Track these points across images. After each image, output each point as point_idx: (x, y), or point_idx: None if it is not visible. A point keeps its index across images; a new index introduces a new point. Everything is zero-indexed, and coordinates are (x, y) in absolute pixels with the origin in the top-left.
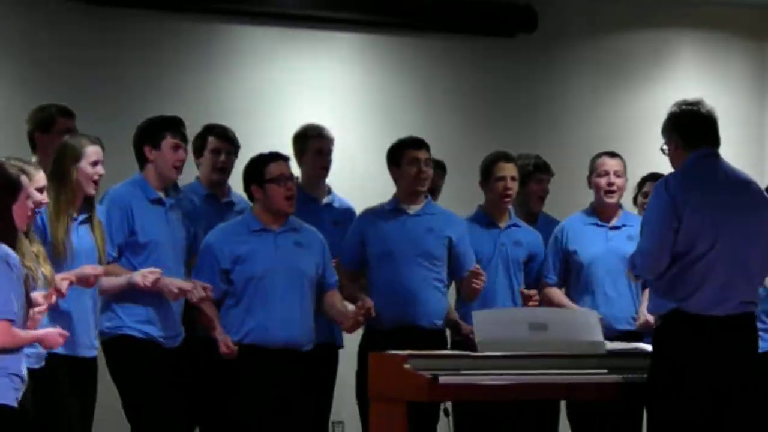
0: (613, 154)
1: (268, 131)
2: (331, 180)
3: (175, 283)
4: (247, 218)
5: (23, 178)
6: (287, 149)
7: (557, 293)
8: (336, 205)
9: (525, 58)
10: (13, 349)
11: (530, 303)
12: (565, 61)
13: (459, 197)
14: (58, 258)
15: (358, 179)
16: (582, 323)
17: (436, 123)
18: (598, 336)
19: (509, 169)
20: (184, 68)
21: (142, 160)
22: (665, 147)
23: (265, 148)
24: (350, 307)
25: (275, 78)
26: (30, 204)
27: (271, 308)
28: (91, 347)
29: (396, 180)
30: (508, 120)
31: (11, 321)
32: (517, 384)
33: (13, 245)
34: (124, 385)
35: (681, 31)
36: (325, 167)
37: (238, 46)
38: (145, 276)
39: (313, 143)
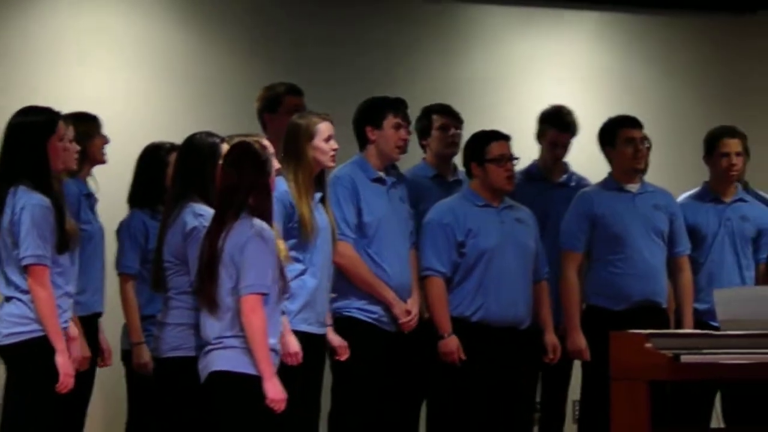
0: None
1: (506, 110)
2: (570, 158)
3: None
4: (468, 194)
5: (268, 152)
6: (527, 130)
7: None
8: (572, 183)
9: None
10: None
11: None
12: None
13: (700, 175)
14: (307, 237)
15: (598, 158)
16: None
17: (675, 102)
18: None
19: (734, 145)
20: (421, 49)
21: (364, 141)
22: None
23: (504, 128)
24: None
25: (514, 57)
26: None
27: (501, 285)
28: (324, 325)
29: (611, 160)
30: (746, 98)
31: (264, 295)
32: (761, 363)
33: (269, 222)
34: (340, 365)
35: None
36: (557, 159)
37: (475, 24)
38: (406, 319)
39: (550, 135)
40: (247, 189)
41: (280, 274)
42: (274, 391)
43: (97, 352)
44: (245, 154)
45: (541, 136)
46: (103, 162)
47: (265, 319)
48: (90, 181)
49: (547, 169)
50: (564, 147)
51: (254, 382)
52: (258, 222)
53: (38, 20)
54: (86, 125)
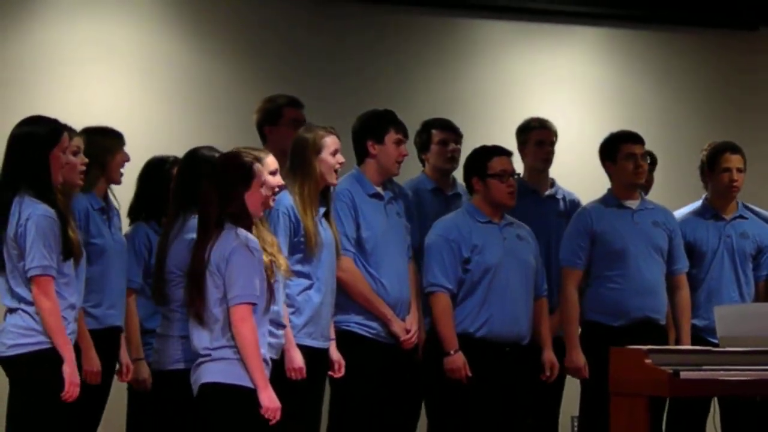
0: None
1: (506, 125)
2: (568, 173)
3: (403, 327)
4: (470, 210)
5: (257, 166)
6: None
7: None
8: (559, 197)
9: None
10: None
11: None
12: None
13: (700, 191)
14: (312, 251)
15: (595, 173)
16: None
17: (675, 117)
18: None
19: (736, 161)
20: (421, 62)
21: (363, 154)
22: None
23: (503, 143)
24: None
25: (513, 72)
26: (263, 192)
27: (504, 301)
28: (327, 339)
29: (611, 175)
30: (746, 115)
31: (253, 304)
32: (760, 380)
33: (250, 231)
34: (339, 379)
35: None
36: (546, 159)
37: (475, 39)
38: (405, 336)
39: (534, 134)
40: (224, 200)
41: (267, 286)
42: (269, 400)
43: (114, 367)
44: (223, 165)
45: (524, 144)
46: (117, 182)
47: (256, 329)
48: (110, 195)
49: (533, 180)
50: (551, 144)
51: (246, 394)
52: (243, 232)
53: (39, 32)
54: (110, 140)
